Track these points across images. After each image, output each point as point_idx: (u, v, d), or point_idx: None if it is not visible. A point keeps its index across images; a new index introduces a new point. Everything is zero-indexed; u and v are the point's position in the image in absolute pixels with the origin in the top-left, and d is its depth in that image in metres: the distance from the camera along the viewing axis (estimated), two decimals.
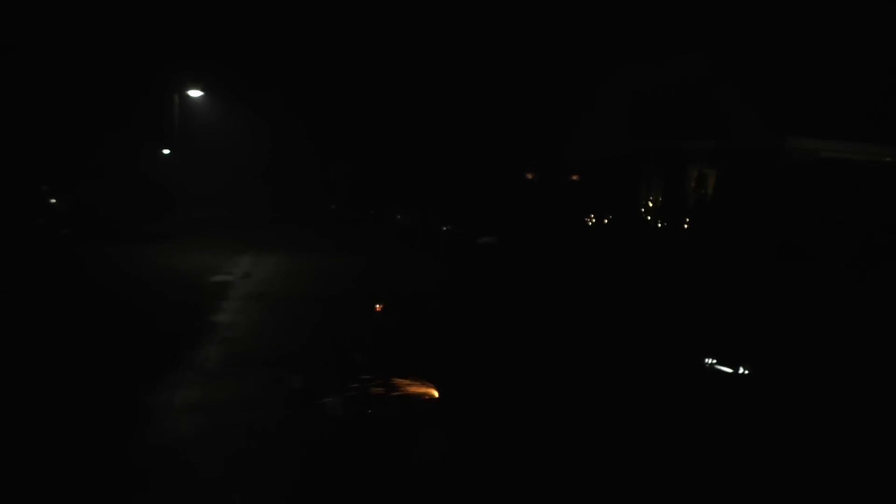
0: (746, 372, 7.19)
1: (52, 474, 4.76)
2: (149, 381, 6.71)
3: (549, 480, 4.93)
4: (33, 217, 18.51)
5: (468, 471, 5.00)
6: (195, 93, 28.39)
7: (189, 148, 31.33)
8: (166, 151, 32.42)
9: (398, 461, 5.09)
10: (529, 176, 30.88)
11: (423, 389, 6.34)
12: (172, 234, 23.55)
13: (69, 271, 14.47)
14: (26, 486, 4.60)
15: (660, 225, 23.63)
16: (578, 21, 26.81)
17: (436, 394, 6.27)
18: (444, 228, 22.62)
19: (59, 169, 23.39)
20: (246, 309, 10.71)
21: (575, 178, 29.16)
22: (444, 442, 5.44)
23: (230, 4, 36.18)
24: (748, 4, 22.08)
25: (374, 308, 10.39)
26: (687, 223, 21.70)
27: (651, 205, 25.45)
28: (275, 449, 5.26)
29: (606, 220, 25.13)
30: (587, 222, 24.68)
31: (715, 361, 7.48)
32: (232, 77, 33.24)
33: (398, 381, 6.47)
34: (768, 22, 21.55)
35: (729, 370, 7.29)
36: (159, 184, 28.82)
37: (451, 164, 29.06)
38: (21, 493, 4.53)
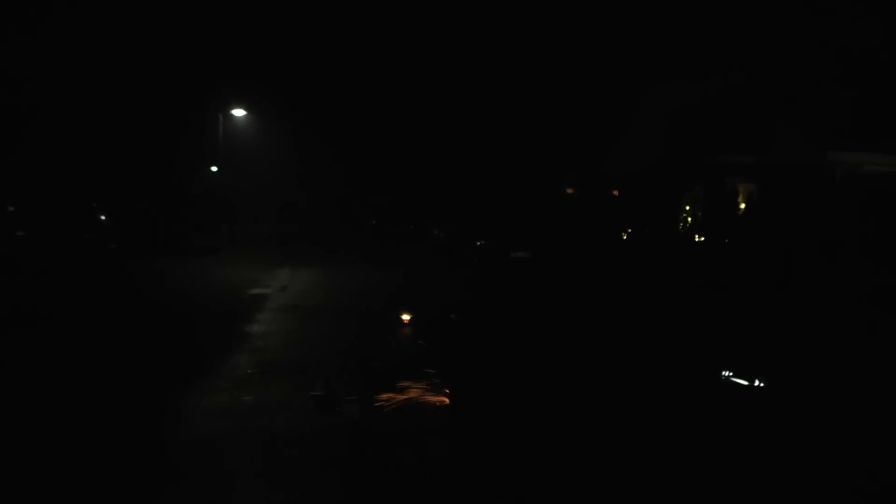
0: (762, 385, 7.23)
1: (91, 467, 5.12)
2: (182, 386, 7.07)
3: (569, 491, 5.08)
4: (83, 232, 19.35)
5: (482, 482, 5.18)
6: (238, 112, 29.30)
7: (232, 166, 32.23)
8: (214, 169, 33.39)
9: (409, 464, 5.32)
10: (570, 191, 30.90)
11: (436, 397, 6.56)
12: (216, 249, 24.29)
13: (115, 283, 15.11)
14: (68, 477, 4.98)
15: (698, 239, 23.45)
16: (617, 36, 26.86)
17: (447, 401, 6.49)
18: (479, 243, 22.83)
19: (110, 186, 24.34)
20: (279, 320, 11.09)
21: (615, 192, 29.07)
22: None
23: (270, 28, 37.14)
24: (787, 19, 21.91)
25: (402, 320, 10.65)
26: (725, 238, 21.51)
27: (689, 219, 25.25)
28: (294, 450, 5.53)
29: (643, 235, 25.00)
30: (623, 237, 24.62)
31: (731, 374, 7.53)
32: (274, 98, 34.16)
33: (414, 389, 6.71)
34: (807, 36, 21.36)
35: (745, 382, 7.35)
36: (205, 201, 29.72)
37: (488, 179, 29.29)
38: (63, 483, 4.90)
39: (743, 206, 22.29)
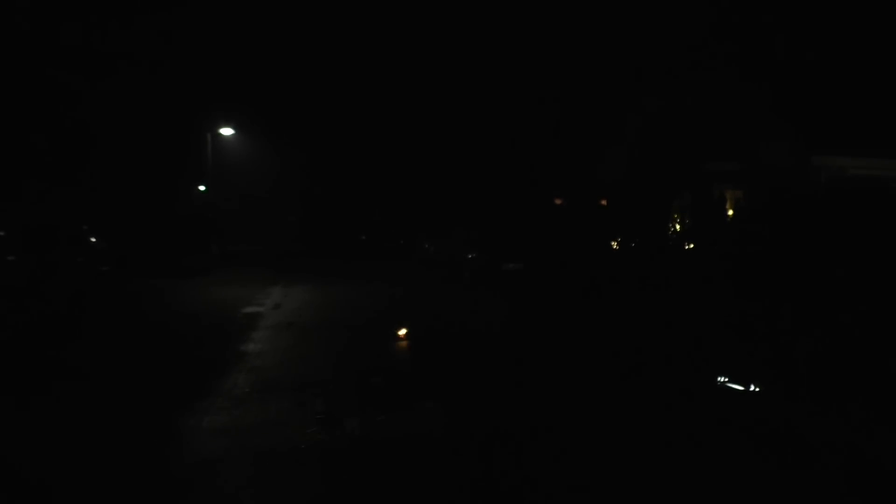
0: (757, 389, 7.33)
1: (99, 491, 5.13)
2: (182, 407, 7.08)
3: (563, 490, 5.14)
4: (74, 255, 19.31)
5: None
6: (226, 131, 29.36)
7: (221, 184, 32.23)
8: (202, 188, 33.37)
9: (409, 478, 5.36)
10: (558, 201, 31.05)
11: (435, 410, 6.63)
12: (208, 269, 24.25)
13: (109, 306, 15.07)
14: (70, 496, 5.01)
15: (687, 247, 23.60)
16: (602, 46, 27.03)
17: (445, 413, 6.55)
18: (470, 256, 22.93)
19: (100, 208, 24.29)
20: (274, 338, 11.11)
21: (603, 202, 29.24)
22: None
23: (256, 44, 37.13)
24: (770, 23, 22.16)
25: (397, 334, 10.71)
26: (714, 245, 21.64)
27: (678, 227, 25.43)
28: (295, 468, 5.56)
29: (633, 244, 25.13)
30: (612, 246, 24.75)
31: (727, 379, 7.63)
32: (262, 115, 34.21)
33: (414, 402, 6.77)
34: (787, 40, 21.62)
35: (740, 388, 7.45)
36: (194, 220, 29.66)
37: (477, 192, 29.42)
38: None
39: (731, 212, 22.51)
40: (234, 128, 29.72)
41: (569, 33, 26.87)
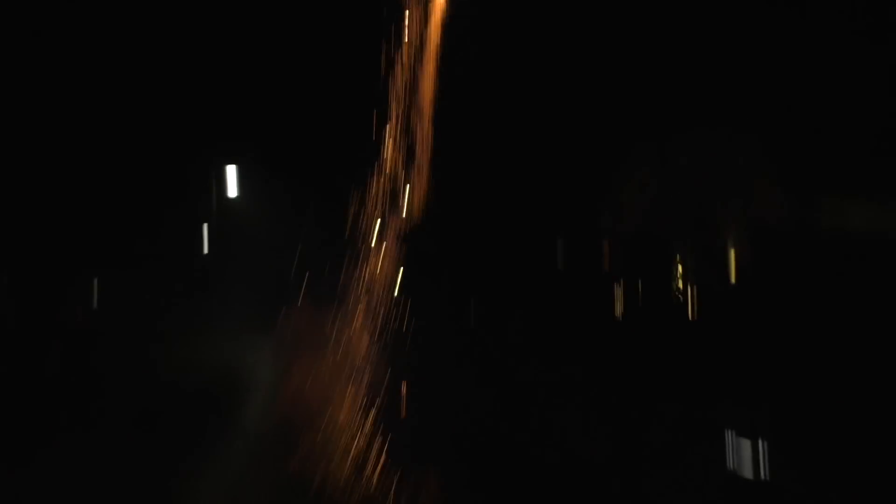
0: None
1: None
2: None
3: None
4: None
5: None
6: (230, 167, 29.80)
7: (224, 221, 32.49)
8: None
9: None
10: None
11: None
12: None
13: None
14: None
15: (690, 306, 23.58)
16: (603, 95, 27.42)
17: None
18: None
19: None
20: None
21: (605, 248, 29.18)
22: None
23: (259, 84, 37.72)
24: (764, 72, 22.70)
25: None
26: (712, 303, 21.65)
27: (679, 285, 25.40)
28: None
29: (636, 306, 25.05)
30: (614, 313, 24.59)
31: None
32: (265, 149, 34.61)
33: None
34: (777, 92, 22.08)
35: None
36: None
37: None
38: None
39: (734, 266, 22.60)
40: (237, 165, 30.19)
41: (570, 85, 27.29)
